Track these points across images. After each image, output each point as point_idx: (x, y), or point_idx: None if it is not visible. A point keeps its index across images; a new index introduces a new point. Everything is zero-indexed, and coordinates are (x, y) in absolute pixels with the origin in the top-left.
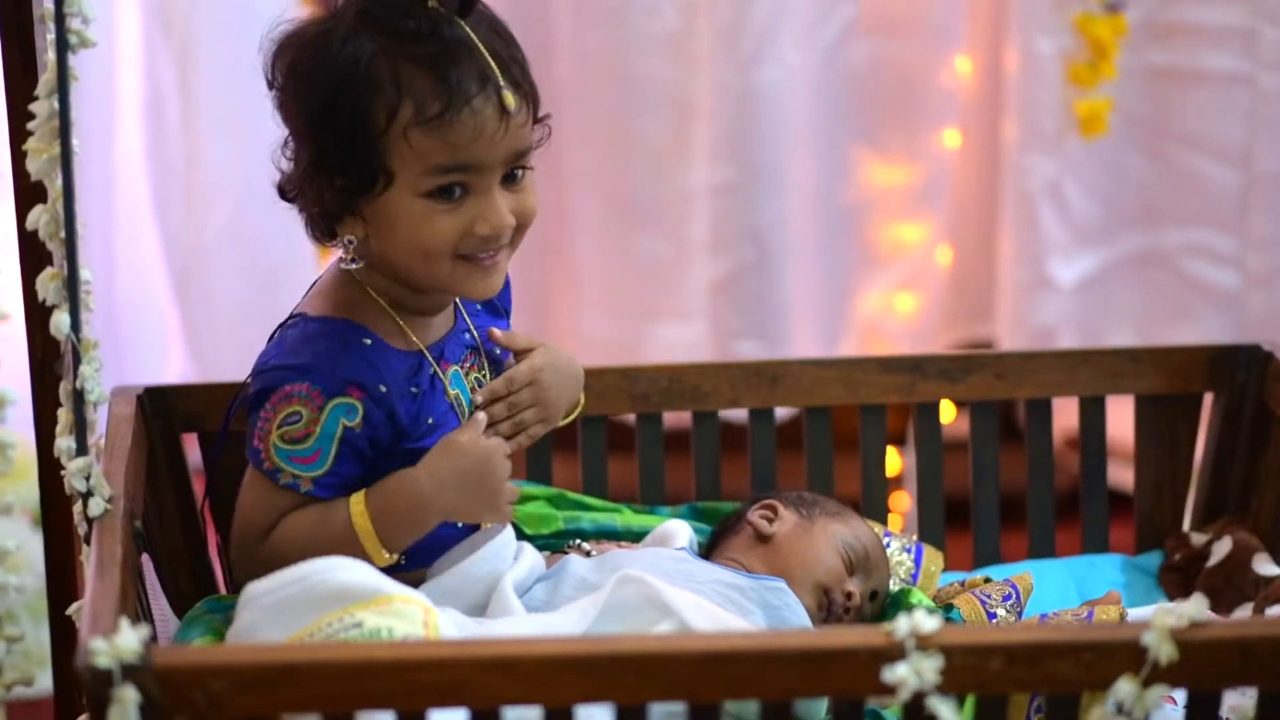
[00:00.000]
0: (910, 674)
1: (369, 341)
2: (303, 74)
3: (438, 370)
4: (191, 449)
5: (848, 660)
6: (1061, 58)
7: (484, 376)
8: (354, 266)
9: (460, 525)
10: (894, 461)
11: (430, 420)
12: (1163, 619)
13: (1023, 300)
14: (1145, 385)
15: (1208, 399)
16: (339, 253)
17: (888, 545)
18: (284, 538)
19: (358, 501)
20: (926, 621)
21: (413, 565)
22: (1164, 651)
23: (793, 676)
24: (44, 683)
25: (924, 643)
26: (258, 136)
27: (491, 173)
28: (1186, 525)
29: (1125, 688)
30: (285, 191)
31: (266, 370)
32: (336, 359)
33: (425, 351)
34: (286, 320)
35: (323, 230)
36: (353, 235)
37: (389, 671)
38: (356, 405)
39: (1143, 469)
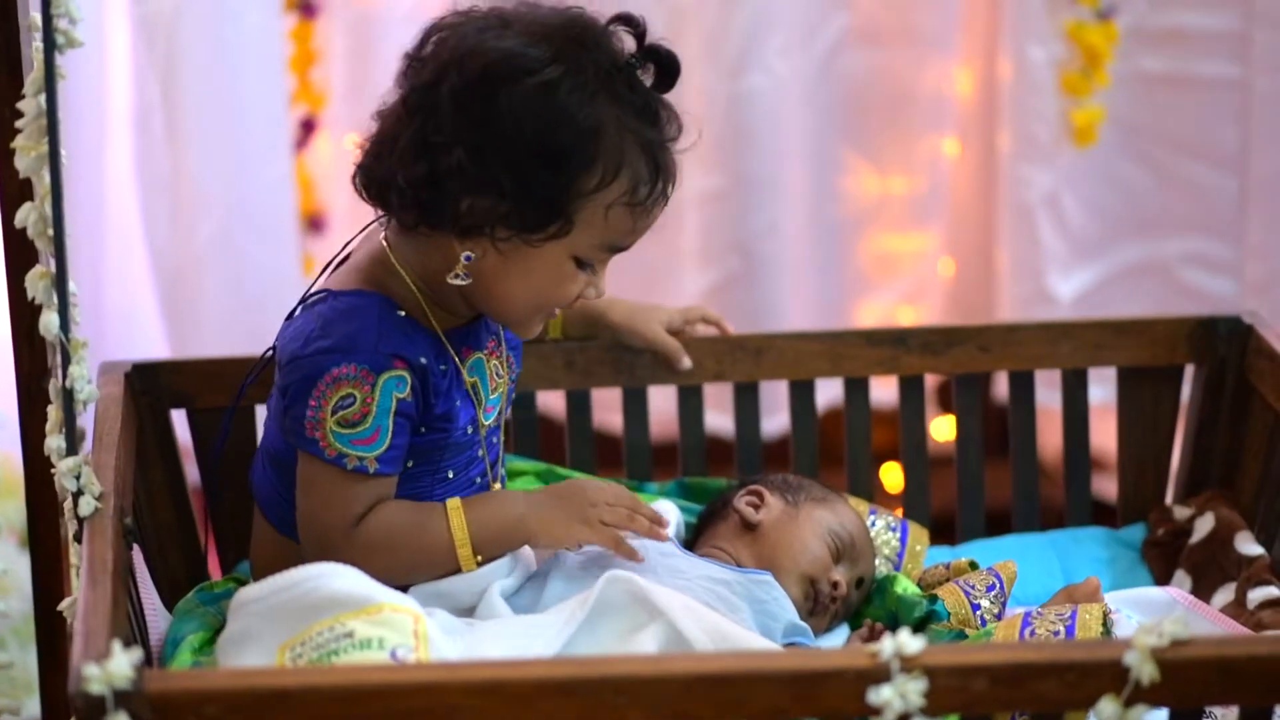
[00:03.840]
0: (895, 696)
1: (402, 313)
2: (518, 107)
3: (455, 356)
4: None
5: (834, 682)
6: (1054, 66)
7: (502, 364)
8: (464, 282)
9: None
10: (894, 479)
11: (444, 402)
12: (1144, 639)
13: (1022, 315)
14: (1127, 357)
15: (1189, 371)
16: (364, 239)
17: (873, 524)
18: (378, 530)
19: (458, 517)
20: (911, 643)
21: None
22: (1145, 671)
23: (781, 698)
24: (31, 709)
25: (908, 664)
26: (244, 149)
27: (622, 250)
28: (1169, 498)
29: (1108, 708)
30: (400, 188)
31: (306, 355)
32: (377, 333)
33: (443, 336)
34: (310, 297)
35: (429, 226)
36: (473, 253)
37: (380, 696)
38: (405, 376)
39: (1126, 440)
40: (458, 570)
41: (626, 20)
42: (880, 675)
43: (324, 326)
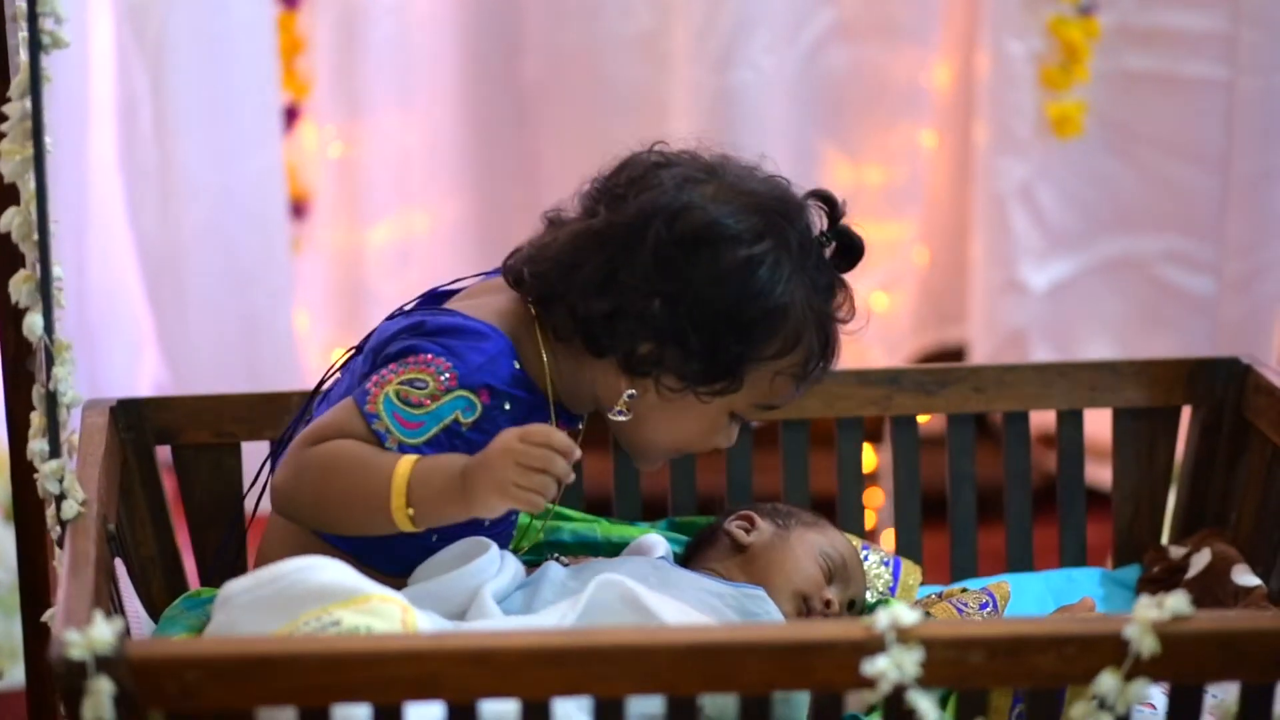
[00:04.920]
0: (891, 667)
1: (517, 366)
2: (721, 274)
3: (553, 423)
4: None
5: (828, 653)
6: (1034, 60)
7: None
8: (623, 419)
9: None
10: (869, 458)
11: None
12: (1145, 612)
13: (994, 304)
14: (1123, 398)
15: (1186, 411)
16: (497, 289)
17: (866, 559)
18: (330, 454)
19: (406, 462)
20: (907, 614)
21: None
22: (1146, 644)
23: (773, 669)
24: (16, 675)
25: (904, 635)
26: (233, 141)
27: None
28: (1165, 538)
29: (1108, 681)
30: (574, 311)
31: (413, 338)
32: (486, 361)
33: (550, 402)
34: (432, 305)
35: (591, 353)
36: (635, 392)
37: (364, 664)
38: (477, 406)
39: (1121, 481)
40: (393, 527)
41: (825, 198)
42: (875, 646)
43: (444, 329)
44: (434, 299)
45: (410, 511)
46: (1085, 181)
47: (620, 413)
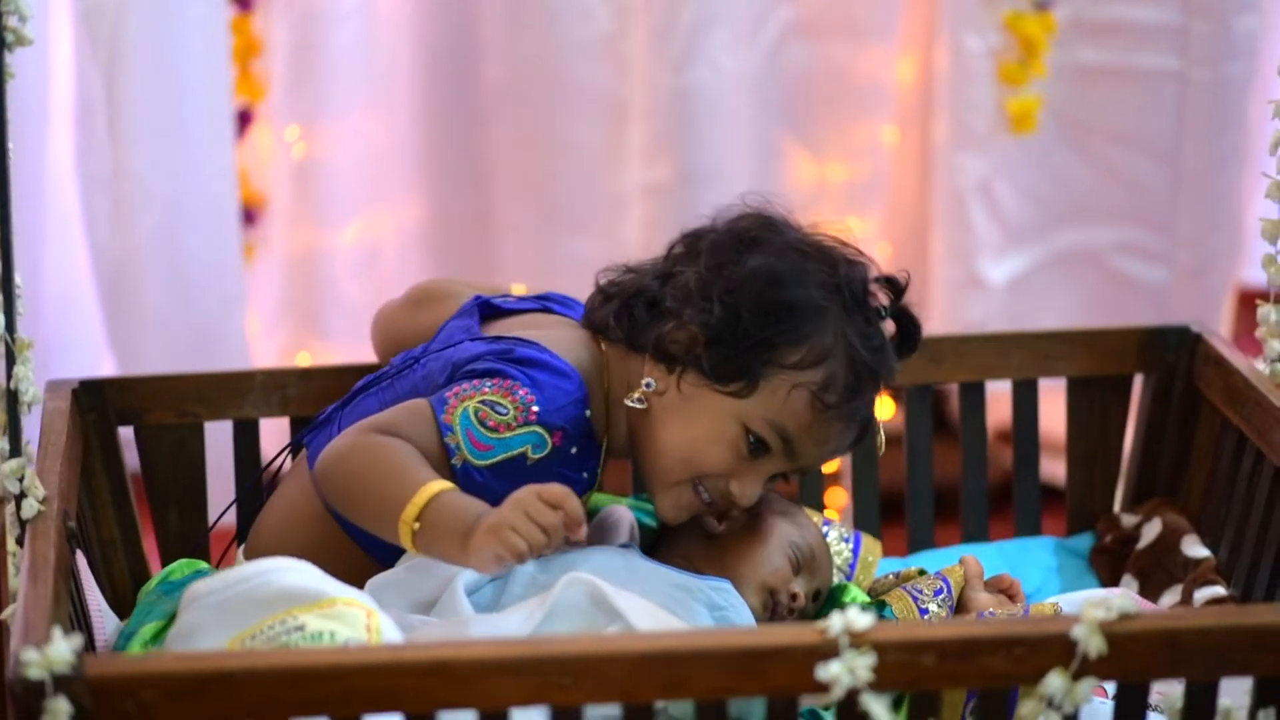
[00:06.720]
0: (844, 671)
1: (589, 414)
2: (766, 259)
3: (599, 475)
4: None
5: (782, 658)
6: (991, 56)
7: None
8: (638, 406)
9: None
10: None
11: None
12: (1092, 612)
13: (954, 299)
14: (1076, 367)
15: (1138, 381)
16: (562, 330)
17: (826, 535)
18: (385, 446)
19: (440, 484)
20: (859, 619)
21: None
22: (1093, 645)
23: (728, 676)
24: None
25: (857, 640)
26: (186, 147)
27: (785, 465)
28: (1118, 507)
29: (1055, 681)
30: (636, 296)
31: (501, 363)
32: (567, 403)
33: (604, 451)
34: (516, 333)
35: (629, 342)
36: (653, 381)
37: (323, 678)
38: (548, 444)
39: (1074, 450)
40: (396, 537)
41: (889, 280)
42: (829, 651)
43: (531, 361)
44: (483, 310)
45: (416, 526)
46: (1041, 176)
47: (635, 400)
